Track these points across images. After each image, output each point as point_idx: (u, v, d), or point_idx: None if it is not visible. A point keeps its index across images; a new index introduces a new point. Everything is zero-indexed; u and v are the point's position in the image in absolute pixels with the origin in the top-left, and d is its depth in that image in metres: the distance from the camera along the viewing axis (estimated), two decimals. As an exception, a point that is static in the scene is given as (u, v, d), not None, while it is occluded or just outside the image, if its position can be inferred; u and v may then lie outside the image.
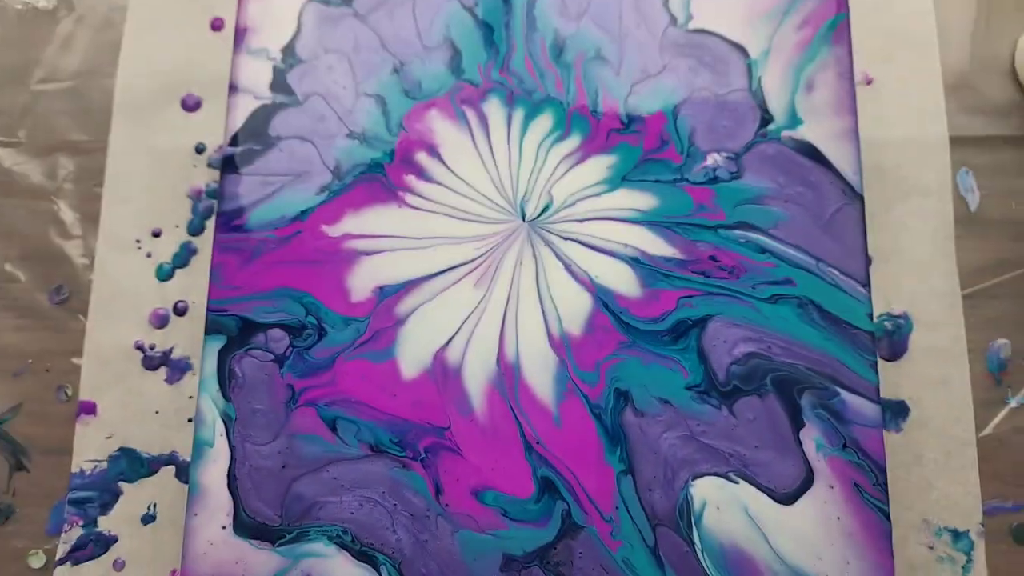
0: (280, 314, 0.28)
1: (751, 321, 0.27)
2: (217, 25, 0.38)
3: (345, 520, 0.26)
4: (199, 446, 0.27)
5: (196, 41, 0.38)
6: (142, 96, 0.37)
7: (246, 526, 0.26)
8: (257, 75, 0.30)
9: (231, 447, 0.27)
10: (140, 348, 0.34)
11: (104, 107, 0.37)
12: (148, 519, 0.33)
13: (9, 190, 0.37)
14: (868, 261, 0.28)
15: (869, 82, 0.36)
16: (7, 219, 0.36)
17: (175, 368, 0.34)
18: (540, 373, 0.27)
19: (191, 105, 0.37)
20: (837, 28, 0.30)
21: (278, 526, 0.26)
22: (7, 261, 0.36)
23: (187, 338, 0.34)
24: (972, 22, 0.37)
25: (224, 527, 0.26)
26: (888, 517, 0.25)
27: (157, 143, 0.37)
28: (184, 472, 0.33)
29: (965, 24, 0.37)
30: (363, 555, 0.26)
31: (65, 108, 0.38)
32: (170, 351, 0.34)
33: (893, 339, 0.34)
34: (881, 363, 0.33)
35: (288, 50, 0.30)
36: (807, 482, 0.26)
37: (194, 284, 0.35)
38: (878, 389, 0.26)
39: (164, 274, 0.35)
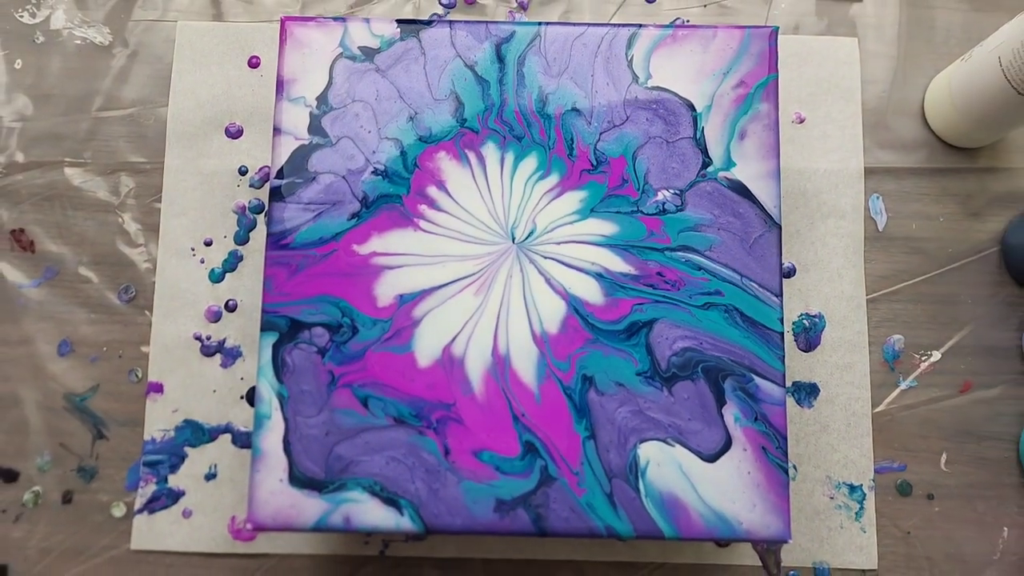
0: (321, 316, 0.35)
1: (688, 323, 0.34)
2: (254, 63, 0.44)
3: (375, 474, 0.33)
4: (259, 418, 0.34)
5: (236, 77, 0.44)
6: (191, 124, 0.44)
7: (298, 479, 0.33)
8: (297, 120, 0.37)
9: (285, 419, 0.34)
10: (198, 338, 0.42)
11: (158, 133, 0.44)
12: (210, 477, 0.40)
13: (80, 204, 0.43)
14: (783, 274, 0.35)
15: (802, 121, 0.44)
16: (79, 229, 0.43)
17: (228, 355, 0.41)
18: (525, 362, 0.34)
19: (233, 133, 0.44)
20: (767, 87, 0.37)
21: (323, 479, 0.33)
22: (81, 265, 0.43)
23: (237, 330, 0.42)
24: (891, 71, 0.45)
25: (281, 480, 0.33)
26: (786, 472, 0.33)
27: (205, 165, 0.43)
28: (239, 439, 0.41)
29: (885, 74, 0.44)
30: (389, 500, 0.33)
31: (123, 133, 0.44)
32: (223, 341, 0.42)
33: (809, 334, 0.42)
34: (799, 353, 0.41)
35: (322, 99, 0.37)
36: (726, 446, 0.33)
37: (241, 286, 0.42)
38: (784, 376, 0.34)
39: (216, 277, 0.42)
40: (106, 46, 0.45)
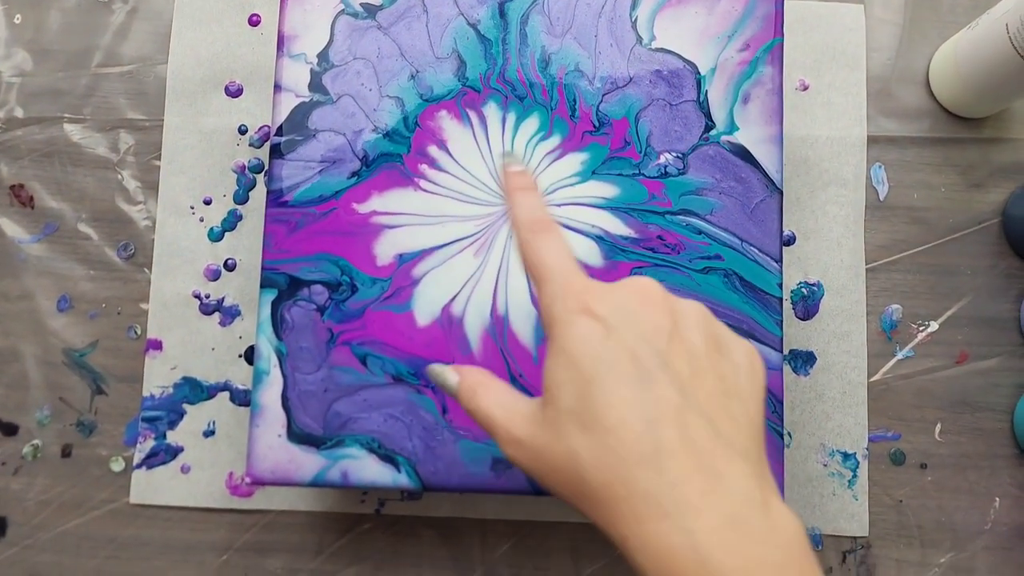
0: (321, 273, 0.35)
1: (687, 287, 0.34)
2: (255, 21, 0.44)
3: (373, 431, 0.34)
4: (258, 374, 0.34)
5: (236, 35, 0.44)
6: (191, 82, 0.43)
7: (297, 435, 0.34)
8: (297, 77, 0.36)
9: (283, 375, 0.34)
10: (197, 296, 0.42)
11: (158, 90, 0.44)
12: (208, 433, 0.41)
13: (79, 161, 0.43)
14: (783, 242, 0.35)
15: (805, 88, 0.43)
16: (79, 185, 0.43)
17: (227, 313, 0.41)
18: (523, 323, 0.34)
19: (233, 91, 0.43)
20: (772, 50, 0.36)
21: (321, 435, 0.34)
22: (80, 222, 0.43)
23: (236, 289, 0.42)
24: (896, 39, 0.44)
25: (280, 435, 0.34)
26: (782, 436, 0.34)
27: (205, 124, 0.43)
28: (237, 397, 0.41)
29: (890, 41, 0.44)
30: (387, 457, 0.33)
31: (123, 90, 0.44)
32: (222, 300, 0.42)
33: (807, 303, 0.42)
34: (796, 321, 0.42)
35: (323, 56, 0.36)
36: (722, 409, 0.34)
37: (240, 245, 0.42)
38: (782, 341, 0.34)
39: (215, 236, 0.42)
40: (105, 2, 0.44)
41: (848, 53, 0.43)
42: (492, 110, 0.36)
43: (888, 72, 0.44)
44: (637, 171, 0.35)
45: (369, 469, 0.33)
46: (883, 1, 0.44)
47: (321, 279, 0.35)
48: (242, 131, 0.43)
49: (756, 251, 0.35)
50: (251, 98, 0.43)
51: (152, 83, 0.43)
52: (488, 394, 0.26)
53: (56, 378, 0.41)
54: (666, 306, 0.24)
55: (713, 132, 0.36)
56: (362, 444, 0.34)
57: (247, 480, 0.33)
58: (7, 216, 0.42)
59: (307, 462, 0.33)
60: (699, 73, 0.36)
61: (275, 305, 0.35)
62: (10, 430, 0.41)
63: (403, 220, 0.35)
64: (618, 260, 0.35)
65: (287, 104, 0.36)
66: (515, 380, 0.34)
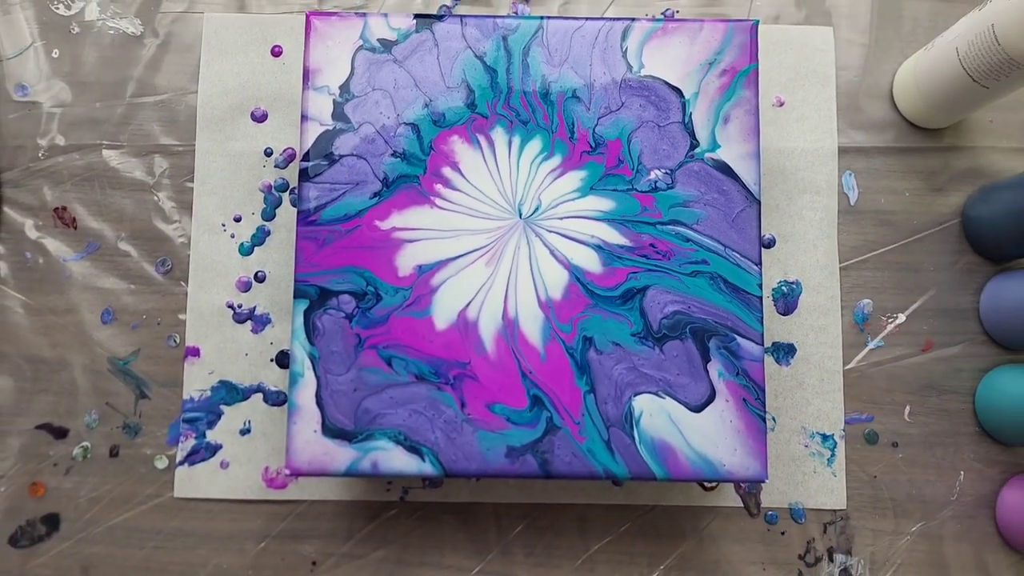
0: (348, 284, 0.39)
1: (677, 289, 0.39)
2: (276, 52, 0.48)
3: (399, 425, 0.38)
4: (294, 376, 0.38)
5: (260, 65, 0.47)
6: (219, 109, 0.47)
7: (330, 430, 0.37)
8: (321, 107, 0.40)
9: (316, 377, 0.38)
10: (230, 307, 0.45)
11: (189, 118, 0.47)
12: (244, 432, 0.44)
13: (118, 184, 0.47)
14: (764, 245, 0.39)
15: (781, 104, 0.48)
16: (118, 207, 0.47)
17: (258, 322, 0.45)
18: (532, 325, 0.38)
19: (259, 117, 0.47)
20: (749, 75, 0.40)
21: (352, 430, 0.37)
22: (120, 240, 0.46)
23: (266, 299, 0.45)
24: (863, 58, 0.48)
25: (315, 431, 0.37)
26: (764, 420, 0.38)
27: (233, 148, 0.47)
28: (270, 397, 0.45)
29: (858, 60, 0.48)
30: (412, 448, 0.37)
31: (156, 118, 0.47)
32: (253, 309, 0.45)
33: (787, 299, 0.46)
34: (778, 316, 0.46)
35: (344, 87, 0.40)
36: (711, 398, 0.38)
37: (269, 258, 0.46)
38: (762, 336, 0.38)
39: (245, 250, 0.46)
40: (138, 36, 0.48)
41: (819, 71, 0.47)
42: (499, 134, 0.40)
43: (856, 88, 0.48)
44: (630, 186, 0.39)
45: (397, 459, 0.37)
46: (850, 23, 0.48)
47: (348, 289, 0.38)
48: (268, 153, 0.46)
49: (738, 256, 0.39)
50: (275, 122, 0.47)
51: (183, 111, 0.47)
52: None
53: (102, 385, 0.45)
54: None
55: (697, 150, 0.40)
56: (390, 437, 0.37)
57: (286, 472, 0.37)
58: (52, 236, 0.46)
59: (340, 454, 0.37)
60: (684, 97, 0.40)
61: (307, 314, 0.38)
62: (60, 433, 0.45)
63: (421, 235, 0.39)
64: (615, 267, 0.39)
65: (313, 132, 0.40)
66: (525, 376, 0.38)
